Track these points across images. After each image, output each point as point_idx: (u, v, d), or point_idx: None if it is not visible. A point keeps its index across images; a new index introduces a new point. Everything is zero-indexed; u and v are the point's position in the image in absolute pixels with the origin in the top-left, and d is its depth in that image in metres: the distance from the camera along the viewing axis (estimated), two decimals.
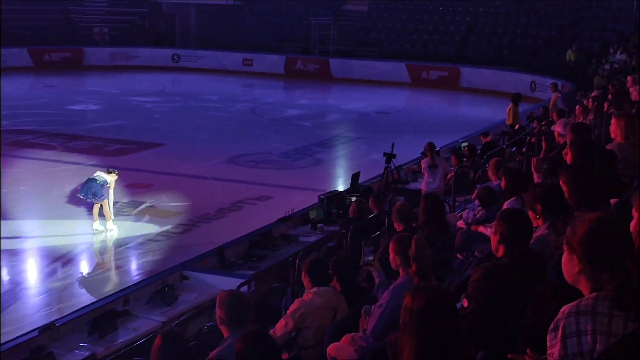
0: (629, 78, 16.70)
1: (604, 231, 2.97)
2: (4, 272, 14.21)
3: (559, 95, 23.13)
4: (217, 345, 6.06)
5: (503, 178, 8.66)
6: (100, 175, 16.40)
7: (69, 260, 14.95)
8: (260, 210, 17.69)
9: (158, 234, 16.33)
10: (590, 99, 15.03)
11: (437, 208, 8.56)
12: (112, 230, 16.34)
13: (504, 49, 40.22)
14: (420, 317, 3.92)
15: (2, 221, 16.01)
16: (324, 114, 32.90)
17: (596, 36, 38.10)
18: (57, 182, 20.08)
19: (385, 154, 17.36)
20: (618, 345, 2.70)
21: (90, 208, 16.58)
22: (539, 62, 37.71)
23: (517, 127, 20.44)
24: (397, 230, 8.36)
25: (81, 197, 16.39)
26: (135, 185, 19.54)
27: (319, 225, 14.51)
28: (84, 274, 14.47)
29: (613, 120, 8.14)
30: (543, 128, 15.53)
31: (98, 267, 15.01)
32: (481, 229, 8.56)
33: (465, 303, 4.59)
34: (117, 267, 14.86)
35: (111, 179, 16.36)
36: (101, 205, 16.25)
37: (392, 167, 17.45)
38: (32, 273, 14.54)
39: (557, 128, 11.48)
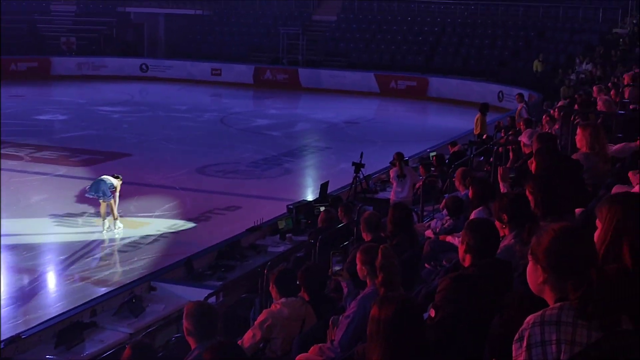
0: (594, 88, 16.86)
1: (568, 241, 2.99)
2: None
3: (524, 105, 23.33)
4: (185, 356, 6.02)
5: (470, 188, 8.69)
6: (109, 178, 17.04)
7: (35, 272, 14.81)
8: (229, 221, 17.64)
9: (126, 245, 16.23)
10: (556, 109, 15.13)
11: (405, 218, 8.57)
12: (120, 227, 17.08)
13: (472, 60, 40.49)
14: (388, 327, 3.92)
15: None
16: (293, 123, 32.89)
17: (562, 47, 38.50)
18: (23, 192, 19.90)
19: (354, 164, 17.37)
20: (581, 354, 2.71)
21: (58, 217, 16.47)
22: (507, 73, 38.00)
23: (484, 136, 20.54)
24: (366, 240, 8.36)
25: (90, 196, 17.04)
26: None
27: (287, 235, 14.48)
28: (50, 286, 14.33)
29: (578, 130, 8.19)
30: (510, 138, 15.62)
31: (65, 279, 14.87)
32: (449, 238, 8.58)
33: (432, 313, 4.60)
34: (84, 279, 14.73)
35: (117, 183, 17.06)
36: (107, 204, 16.94)
37: (361, 176, 17.47)
38: None
39: (523, 138, 11.54)
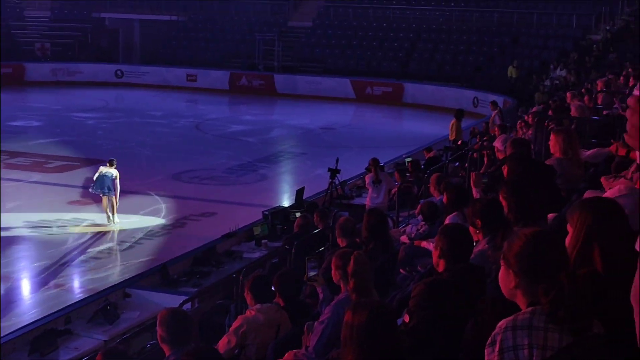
0: (568, 94, 16.96)
1: (539, 246, 3.00)
2: None
3: (498, 113, 23.48)
4: None
5: (445, 193, 8.72)
6: (109, 170, 17.61)
7: (9, 279, 14.69)
8: (204, 227, 17.60)
9: (100, 251, 16.16)
10: (530, 115, 15.21)
11: (380, 223, 8.59)
12: (119, 222, 17.59)
13: (447, 66, 40.64)
14: (361, 333, 3.92)
15: None
16: (269, 129, 32.88)
17: (537, 53, 38.73)
18: None
19: (329, 170, 17.39)
20: (553, 359, 2.73)
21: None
22: (481, 78, 38.17)
23: (459, 142, 20.63)
24: (341, 245, 8.37)
25: (96, 192, 17.57)
26: (78, 202, 19.32)
27: (263, 241, 14.48)
28: (24, 293, 14.23)
29: (552, 136, 8.22)
30: (485, 144, 15.69)
31: (39, 286, 14.76)
32: (424, 244, 8.59)
33: (406, 318, 4.61)
34: (59, 285, 14.64)
35: (116, 172, 17.65)
36: (108, 198, 17.53)
37: (337, 182, 17.49)
38: None
39: (497, 144, 11.59)
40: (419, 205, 10.59)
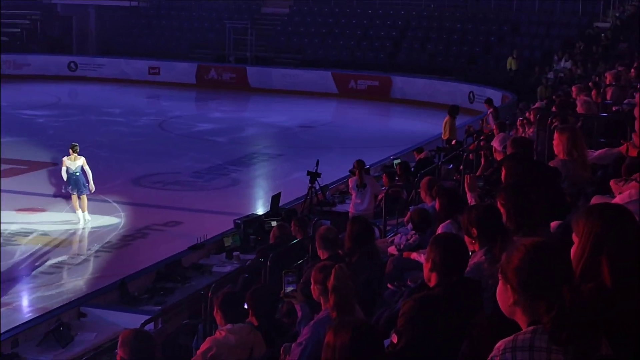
0: (574, 88, 17.03)
1: (540, 258, 2.98)
2: None
3: (493, 111, 23.52)
4: None
5: (437, 199, 8.74)
6: (76, 163, 18.27)
7: None
8: (169, 238, 17.56)
9: (52, 266, 16.07)
10: (532, 111, 15.27)
11: (366, 233, 8.59)
12: (89, 220, 18.28)
13: (439, 57, 40.74)
14: (344, 355, 3.92)
15: None
16: (241, 128, 32.85)
17: (538, 43, 38.92)
18: None
19: (309, 173, 17.40)
20: None
21: None
22: (477, 71, 38.32)
23: (454, 142, 20.67)
24: (322, 258, 8.36)
25: (74, 192, 18.20)
26: (27, 210, 19.22)
27: (234, 253, 14.48)
28: None
29: (556, 135, 8.25)
30: (482, 143, 15.74)
31: None
32: (414, 255, 8.61)
33: (394, 339, 4.62)
34: (5, 304, 14.54)
35: (82, 159, 18.41)
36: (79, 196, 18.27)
37: (317, 187, 17.50)
38: None
39: (495, 143, 11.64)
40: (409, 213, 10.61)
